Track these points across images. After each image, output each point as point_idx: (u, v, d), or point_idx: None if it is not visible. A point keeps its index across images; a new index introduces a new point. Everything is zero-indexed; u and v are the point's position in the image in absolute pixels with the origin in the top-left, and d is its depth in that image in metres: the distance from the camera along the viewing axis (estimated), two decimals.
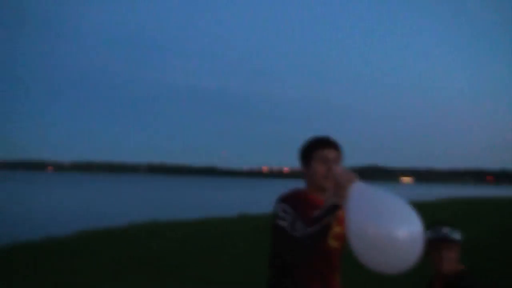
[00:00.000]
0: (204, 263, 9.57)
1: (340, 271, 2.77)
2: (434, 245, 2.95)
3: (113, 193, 56.04)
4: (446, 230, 2.94)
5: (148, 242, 12.19)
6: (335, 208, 2.26)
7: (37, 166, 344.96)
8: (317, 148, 2.61)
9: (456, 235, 2.95)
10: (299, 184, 2.78)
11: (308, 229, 2.27)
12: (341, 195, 2.24)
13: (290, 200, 2.53)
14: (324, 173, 2.56)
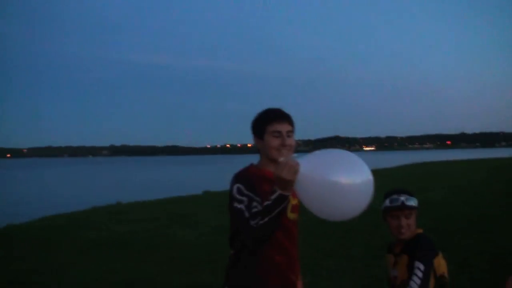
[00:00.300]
0: (170, 242, 9.54)
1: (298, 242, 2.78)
2: (392, 213, 2.97)
3: (75, 178, 55.19)
4: (403, 198, 2.96)
5: (113, 225, 12.08)
6: (283, 199, 2.23)
7: None
8: (270, 122, 2.56)
9: (413, 202, 2.97)
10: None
11: (259, 221, 2.25)
12: (288, 188, 2.21)
13: (245, 178, 2.49)
14: (278, 146, 2.53)
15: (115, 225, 12.02)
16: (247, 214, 2.31)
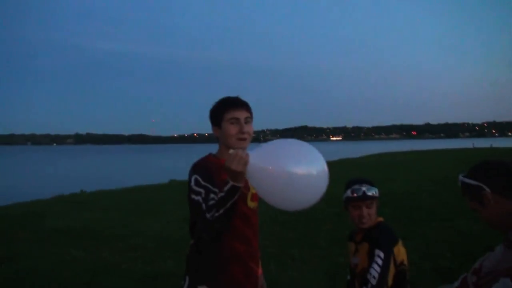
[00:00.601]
0: (135, 231, 9.44)
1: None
2: (353, 203, 2.97)
3: (37, 166, 54.11)
4: (364, 188, 2.96)
5: (76, 214, 11.89)
6: (235, 190, 2.22)
7: None
8: (227, 109, 2.54)
9: (374, 192, 2.97)
10: None
11: (215, 213, 2.24)
12: (238, 179, 2.20)
13: (203, 168, 2.47)
14: (236, 134, 2.51)
15: (78, 214, 11.84)
16: (204, 207, 2.30)
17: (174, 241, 8.14)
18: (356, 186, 2.96)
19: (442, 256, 6.59)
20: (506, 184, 1.91)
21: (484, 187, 1.92)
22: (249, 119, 2.55)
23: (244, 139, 2.51)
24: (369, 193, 2.93)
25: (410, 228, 8.47)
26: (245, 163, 2.14)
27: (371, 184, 3.00)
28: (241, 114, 2.52)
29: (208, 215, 2.25)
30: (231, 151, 2.17)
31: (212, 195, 2.32)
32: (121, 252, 7.67)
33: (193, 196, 2.36)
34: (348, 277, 3.14)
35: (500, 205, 1.90)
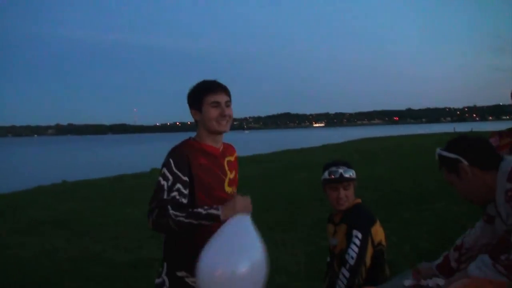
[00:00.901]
0: (117, 220, 9.41)
1: None
2: (331, 185, 2.99)
3: (18, 157, 53.47)
4: (341, 170, 2.98)
5: (58, 204, 11.81)
6: (217, 219, 2.31)
7: None
8: (208, 92, 2.53)
9: (351, 174, 2.99)
10: None
11: (180, 217, 2.29)
12: (230, 215, 2.31)
13: (180, 153, 2.47)
14: (217, 117, 2.51)
15: (60, 204, 11.77)
16: (165, 195, 2.34)
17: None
18: (333, 168, 2.98)
19: (421, 238, 6.69)
20: (483, 156, 1.94)
21: (462, 159, 1.94)
22: (229, 103, 2.56)
23: (225, 123, 2.52)
24: (346, 175, 2.95)
25: (390, 211, 8.56)
26: (247, 210, 2.36)
27: (348, 166, 3.02)
28: (222, 98, 2.53)
29: (172, 211, 2.29)
30: (242, 197, 2.38)
31: (177, 186, 2.36)
32: (102, 241, 7.66)
33: (160, 179, 2.40)
34: (328, 259, 3.17)
35: (477, 178, 1.93)
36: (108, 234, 8.11)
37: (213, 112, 2.50)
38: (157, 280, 2.56)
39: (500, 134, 3.27)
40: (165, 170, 2.40)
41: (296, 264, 5.90)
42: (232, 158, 2.69)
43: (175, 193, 2.36)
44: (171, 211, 2.29)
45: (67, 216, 10.03)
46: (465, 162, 1.93)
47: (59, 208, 11.17)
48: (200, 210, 2.31)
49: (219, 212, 2.31)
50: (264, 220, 8.43)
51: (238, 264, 2.14)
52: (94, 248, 7.22)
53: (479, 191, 1.96)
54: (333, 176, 2.96)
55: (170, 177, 2.37)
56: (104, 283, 5.67)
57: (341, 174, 2.95)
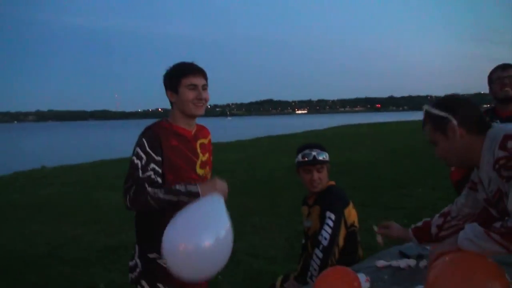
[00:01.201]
0: (97, 204, 9.38)
1: None
2: (304, 168, 3.02)
3: None
4: (314, 152, 3.01)
5: (37, 189, 11.71)
6: (196, 196, 2.35)
7: None
8: (185, 75, 2.53)
9: (324, 156, 3.03)
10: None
11: (159, 194, 2.32)
12: (209, 193, 2.36)
13: (153, 133, 2.47)
14: (194, 100, 2.51)
15: (40, 189, 11.68)
16: (140, 174, 2.36)
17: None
18: (306, 151, 3.02)
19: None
20: (472, 119, 1.91)
21: (451, 118, 1.90)
22: (205, 86, 2.56)
23: (201, 106, 2.52)
24: (319, 157, 2.99)
25: (370, 196, 8.65)
26: (225, 194, 2.44)
27: (322, 149, 3.05)
28: (199, 81, 2.52)
29: (150, 189, 2.32)
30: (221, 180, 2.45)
31: (152, 165, 2.38)
32: (82, 225, 7.63)
33: (134, 158, 2.41)
34: (303, 240, 3.20)
35: (463, 139, 1.89)
36: (88, 219, 8.08)
37: (190, 95, 2.50)
38: (130, 263, 2.58)
39: None
40: (138, 150, 2.41)
41: (275, 248, 5.95)
42: (205, 141, 2.70)
43: (150, 172, 2.37)
44: (149, 189, 2.31)
45: (46, 200, 9.96)
46: (454, 122, 1.89)
47: (38, 193, 11.09)
48: (179, 187, 2.34)
49: (198, 189, 2.35)
50: (244, 205, 8.48)
51: (203, 238, 2.14)
52: (73, 233, 7.20)
53: (460, 153, 1.92)
54: (306, 159, 3.00)
55: (144, 157, 2.38)
56: (83, 267, 5.67)
57: (314, 157, 2.99)
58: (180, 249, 2.11)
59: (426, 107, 2.01)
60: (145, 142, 2.41)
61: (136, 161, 2.39)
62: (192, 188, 2.35)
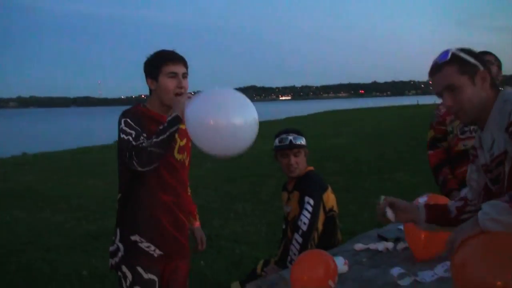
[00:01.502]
0: (79, 191, 9.36)
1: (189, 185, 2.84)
2: (281, 152, 3.06)
3: None
4: (291, 137, 3.04)
5: (18, 175, 11.64)
6: (176, 119, 2.32)
7: None
8: (165, 62, 2.51)
9: (301, 141, 3.06)
10: None
11: (153, 139, 2.30)
12: (181, 109, 2.33)
13: (134, 115, 2.48)
14: (174, 88, 2.50)
15: (21, 176, 11.61)
16: (134, 143, 2.33)
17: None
18: (283, 136, 3.05)
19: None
20: (491, 76, 1.86)
21: (480, 67, 1.82)
22: (186, 75, 2.55)
23: (181, 94, 2.50)
24: (296, 142, 3.02)
25: (352, 181, 8.74)
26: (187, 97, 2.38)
27: (298, 133, 3.09)
28: (180, 69, 2.52)
29: (144, 144, 2.30)
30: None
31: (142, 138, 2.35)
32: (64, 212, 7.61)
33: (123, 136, 2.38)
34: (283, 226, 3.24)
35: (486, 92, 1.82)
36: (70, 206, 8.06)
37: (170, 83, 2.49)
38: (111, 248, 2.57)
39: None
40: (124, 128, 2.40)
41: (257, 234, 5.99)
42: (183, 126, 2.70)
43: (143, 140, 2.35)
44: (143, 144, 2.30)
45: (27, 187, 9.90)
46: (483, 70, 1.81)
47: (19, 179, 11.01)
48: (161, 126, 2.33)
49: (174, 113, 2.35)
50: (227, 191, 8.52)
51: (236, 115, 2.24)
52: (55, 220, 7.17)
53: (479, 105, 1.81)
54: (283, 143, 3.03)
55: (133, 132, 2.37)
56: (65, 253, 5.66)
57: (290, 141, 3.02)
58: (210, 123, 2.19)
59: (453, 50, 1.84)
60: (129, 120, 2.42)
61: (126, 137, 2.37)
62: (170, 118, 2.34)
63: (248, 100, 2.37)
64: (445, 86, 1.81)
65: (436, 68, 1.84)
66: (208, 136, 2.22)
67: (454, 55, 1.82)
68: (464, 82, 1.80)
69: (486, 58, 3.33)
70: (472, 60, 1.81)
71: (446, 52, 1.84)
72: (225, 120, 2.21)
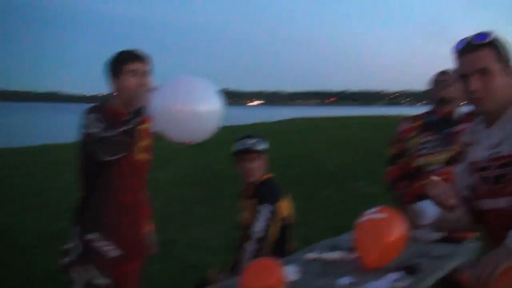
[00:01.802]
0: (44, 188, 9.27)
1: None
2: (240, 156, 3.07)
3: None
4: (250, 142, 3.06)
5: None
6: (140, 110, 2.38)
7: None
8: (127, 62, 2.55)
9: (261, 146, 3.07)
10: None
11: (119, 129, 2.34)
12: (145, 99, 2.38)
13: (99, 112, 2.50)
14: (135, 85, 2.52)
15: None
16: (102, 134, 2.36)
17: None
18: (242, 141, 3.08)
19: (338, 216, 6.85)
20: None
21: None
22: (148, 72, 2.59)
23: (144, 94, 2.51)
24: (253, 147, 3.03)
25: (312, 190, 8.80)
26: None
27: (257, 139, 3.10)
28: (141, 67, 2.55)
29: (111, 133, 2.33)
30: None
31: (109, 131, 2.37)
32: (23, 211, 7.52)
33: (91, 129, 2.41)
34: (238, 233, 3.24)
35: (510, 79, 1.73)
36: (28, 204, 7.96)
37: (131, 81, 2.52)
38: (67, 246, 2.56)
39: (414, 118, 3.41)
40: (92, 122, 2.42)
41: (215, 240, 5.98)
42: (146, 126, 2.71)
43: (110, 133, 2.37)
44: (110, 134, 2.33)
45: None
46: None
47: None
48: (125, 117, 2.39)
49: (140, 105, 2.40)
50: (187, 196, 8.49)
51: (199, 102, 2.31)
52: (15, 219, 7.06)
53: (504, 97, 1.73)
54: (239, 148, 3.07)
55: (101, 124, 2.40)
56: (27, 254, 5.57)
57: (247, 146, 3.03)
58: (175, 109, 2.26)
59: (493, 34, 1.72)
60: (95, 116, 2.44)
61: (94, 130, 2.39)
62: (133, 109, 2.40)
63: (211, 85, 2.45)
64: (478, 69, 1.70)
65: (471, 47, 1.72)
66: (175, 121, 2.28)
67: (495, 39, 1.72)
68: (497, 68, 1.70)
69: None
70: (510, 51, 1.73)
71: (485, 34, 1.72)
72: (190, 103, 2.27)
